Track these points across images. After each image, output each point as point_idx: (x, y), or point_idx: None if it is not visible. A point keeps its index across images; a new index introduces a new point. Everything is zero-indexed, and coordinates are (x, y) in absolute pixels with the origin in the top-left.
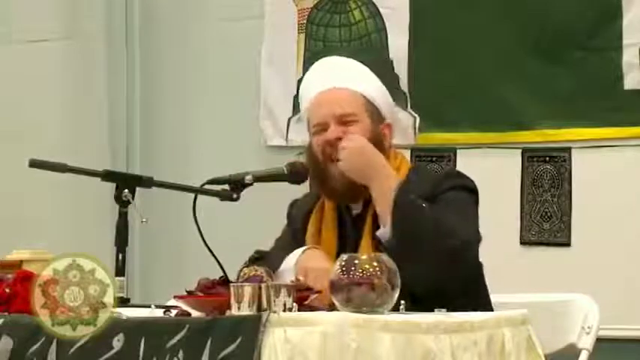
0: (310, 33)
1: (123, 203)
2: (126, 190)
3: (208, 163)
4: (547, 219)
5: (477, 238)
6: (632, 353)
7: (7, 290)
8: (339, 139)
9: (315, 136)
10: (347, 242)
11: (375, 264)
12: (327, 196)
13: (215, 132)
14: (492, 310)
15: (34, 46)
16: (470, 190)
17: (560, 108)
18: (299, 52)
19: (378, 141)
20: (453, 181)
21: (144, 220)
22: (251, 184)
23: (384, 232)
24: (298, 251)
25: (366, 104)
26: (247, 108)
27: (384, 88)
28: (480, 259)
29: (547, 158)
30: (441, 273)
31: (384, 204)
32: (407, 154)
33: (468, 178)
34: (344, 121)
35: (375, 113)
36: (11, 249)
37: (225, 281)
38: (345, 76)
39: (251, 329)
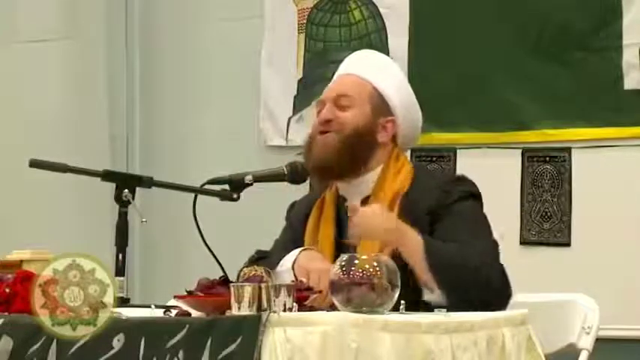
0: (310, 33)
1: (123, 203)
2: (126, 190)
3: (208, 163)
4: (547, 219)
5: (498, 251)
6: (632, 353)
7: (7, 290)
8: (328, 120)
9: (315, 115)
10: (344, 239)
11: (375, 264)
12: (311, 170)
13: (215, 132)
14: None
15: (34, 46)
16: (476, 196)
17: (560, 108)
18: (299, 52)
19: (370, 131)
20: (460, 190)
21: (144, 220)
22: (251, 184)
23: (434, 296)
24: (295, 252)
25: (372, 94)
26: (247, 108)
27: (406, 87)
28: None
29: (547, 158)
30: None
31: (417, 263)
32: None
33: (471, 182)
34: (339, 103)
35: (379, 105)
36: (11, 249)
37: (225, 281)
38: (362, 66)
39: (251, 329)
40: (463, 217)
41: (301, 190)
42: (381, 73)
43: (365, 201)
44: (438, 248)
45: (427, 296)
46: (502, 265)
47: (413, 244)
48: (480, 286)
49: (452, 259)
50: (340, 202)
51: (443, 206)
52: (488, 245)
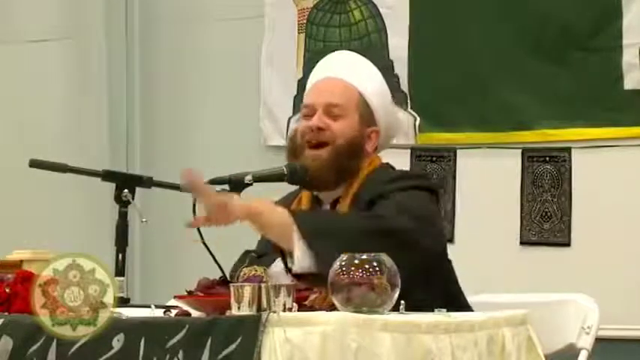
0: (310, 33)
1: (123, 203)
2: (126, 190)
3: (208, 163)
4: (547, 219)
5: (430, 232)
6: (632, 353)
7: (7, 290)
8: (320, 128)
9: (302, 121)
10: None
11: (375, 264)
12: (299, 181)
13: (215, 132)
14: (469, 309)
15: (34, 46)
16: (425, 188)
17: (560, 108)
18: (299, 52)
19: (360, 142)
20: (404, 183)
21: (144, 220)
22: (251, 184)
23: (301, 263)
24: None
25: (359, 102)
26: (247, 108)
27: (386, 91)
28: (450, 258)
29: (547, 158)
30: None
31: (288, 237)
32: (407, 154)
33: (423, 177)
34: (331, 112)
35: (366, 114)
36: (11, 249)
37: (225, 281)
38: (346, 69)
39: (251, 329)
40: (394, 202)
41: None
42: (364, 78)
43: (334, 203)
44: (309, 214)
45: (294, 265)
46: (425, 245)
47: (277, 215)
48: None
49: (328, 219)
50: (316, 203)
51: (379, 195)
52: (411, 221)
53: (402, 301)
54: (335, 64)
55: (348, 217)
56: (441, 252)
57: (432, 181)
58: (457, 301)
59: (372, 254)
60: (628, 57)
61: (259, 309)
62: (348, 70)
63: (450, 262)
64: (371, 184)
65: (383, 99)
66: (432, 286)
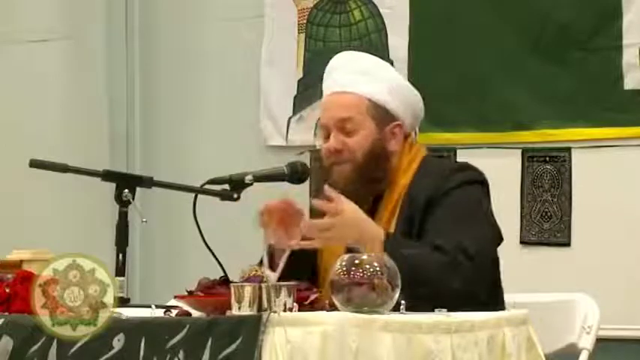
0: (310, 33)
1: (123, 203)
2: (126, 190)
3: (208, 163)
4: (547, 219)
5: (493, 242)
6: (632, 353)
7: (7, 290)
8: (338, 150)
9: (322, 140)
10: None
11: (375, 264)
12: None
13: (215, 132)
14: (504, 307)
15: (34, 46)
16: (478, 182)
17: (560, 108)
18: (299, 52)
19: (381, 147)
20: (457, 178)
21: (144, 220)
22: (251, 184)
23: None
24: None
25: (370, 108)
26: (247, 108)
27: (395, 76)
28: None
29: (547, 158)
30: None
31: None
32: None
33: (474, 169)
34: (344, 128)
35: (381, 116)
36: (11, 249)
37: (225, 281)
38: (351, 80)
39: (251, 329)
40: (454, 208)
41: (301, 190)
42: (371, 81)
43: (377, 199)
44: (399, 254)
45: None
46: (481, 259)
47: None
48: (435, 291)
49: (410, 267)
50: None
51: (438, 195)
52: (481, 240)
53: (403, 301)
54: (338, 77)
55: (426, 256)
56: (495, 254)
57: (479, 171)
58: (502, 301)
59: (372, 254)
60: (628, 57)
61: (260, 309)
62: (352, 79)
63: (497, 261)
64: (421, 179)
65: (396, 92)
66: (491, 288)
